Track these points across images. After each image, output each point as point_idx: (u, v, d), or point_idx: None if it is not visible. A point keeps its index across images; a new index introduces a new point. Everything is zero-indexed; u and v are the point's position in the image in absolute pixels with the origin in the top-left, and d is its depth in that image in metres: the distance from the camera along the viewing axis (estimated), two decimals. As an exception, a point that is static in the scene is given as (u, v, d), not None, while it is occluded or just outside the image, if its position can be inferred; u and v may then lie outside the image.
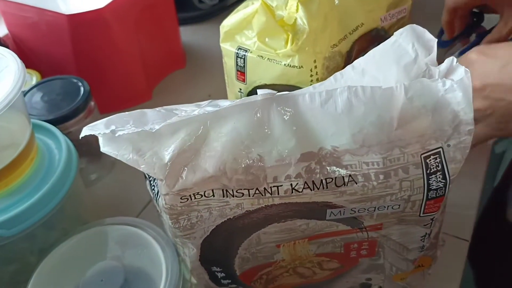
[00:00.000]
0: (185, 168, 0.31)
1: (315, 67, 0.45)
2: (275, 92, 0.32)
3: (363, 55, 0.51)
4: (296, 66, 0.44)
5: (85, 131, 0.32)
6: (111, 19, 0.59)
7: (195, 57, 0.77)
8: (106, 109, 0.65)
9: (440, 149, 0.32)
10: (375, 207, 0.33)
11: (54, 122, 0.49)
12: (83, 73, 0.58)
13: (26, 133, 0.42)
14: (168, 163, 0.31)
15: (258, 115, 0.32)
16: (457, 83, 0.31)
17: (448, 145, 0.32)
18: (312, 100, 0.31)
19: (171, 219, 0.33)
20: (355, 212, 0.33)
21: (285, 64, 0.44)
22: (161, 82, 0.72)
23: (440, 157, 0.32)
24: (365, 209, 0.33)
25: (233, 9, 0.85)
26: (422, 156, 0.31)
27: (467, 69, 0.31)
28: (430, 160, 0.31)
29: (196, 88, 0.72)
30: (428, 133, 0.31)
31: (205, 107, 0.34)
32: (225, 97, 0.56)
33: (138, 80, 0.67)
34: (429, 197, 0.33)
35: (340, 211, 0.33)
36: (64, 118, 0.51)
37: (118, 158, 0.32)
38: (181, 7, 0.76)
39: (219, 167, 0.32)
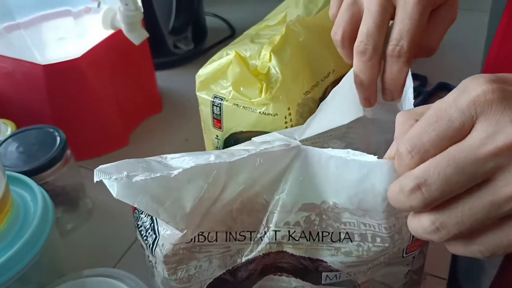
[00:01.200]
0: (202, 216, 0.31)
1: (289, 114, 0.46)
2: (289, 143, 0.33)
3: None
4: (271, 114, 0.45)
5: (98, 175, 0.30)
6: (87, 68, 0.60)
7: (171, 102, 0.78)
8: (83, 157, 0.65)
9: None
10: (370, 268, 0.33)
11: (30, 173, 0.49)
12: (59, 122, 0.58)
13: (0, 186, 0.42)
14: (190, 213, 0.30)
15: (275, 165, 0.32)
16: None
17: None
18: (320, 155, 0.32)
19: (169, 269, 0.33)
20: (350, 275, 0.34)
21: (260, 112, 0.45)
22: (138, 127, 0.73)
23: None
24: (361, 271, 0.33)
25: (208, 53, 0.87)
26: None
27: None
28: None
29: (173, 132, 0.72)
30: None
31: (220, 154, 0.33)
32: (202, 141, 0.56)
33: (115, 126, 0.67)
34: (411, 240, 0.34)
35: (336, 275, 0.34)
36: (41, 169, 0.50)
37: (135, 205, 0.30)
38: (156, 52, 0.77)
39: (230, 211, 0.32)
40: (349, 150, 0.30)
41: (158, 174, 0.29)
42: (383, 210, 0.30)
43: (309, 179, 0.32)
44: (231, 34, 0.92)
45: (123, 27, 0.60)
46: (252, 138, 0.39)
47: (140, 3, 0.61)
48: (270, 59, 0.46)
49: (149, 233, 0.34)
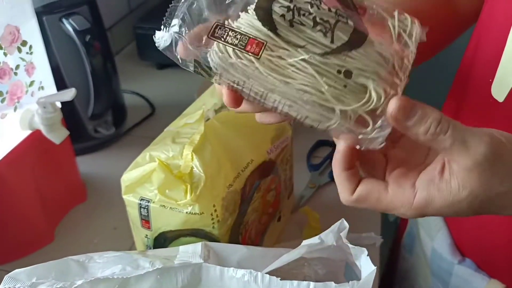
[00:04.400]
0: None
1: (215, 210, 0.49)
2: (191, 262, 0.35)
3: (255, 188, 0.56)
4: (197, 213, 0.48)
5: (7, 282, 0.33)
6: (6, 172, 0.59)
7: (96, 188, 0.78)
8: (6, 259, 0.63)
9: None
10: None
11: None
12: (-21, 232, 0.56)
13: None
14: None
15: (175, 280, 0.34)
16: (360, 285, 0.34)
17: None
18: (222, 274, 0.34)
19: None
20: None
21: (187, 212, 0.48)
22: (63, 220, 0.72)
23: None
24: None
25: (129, 134, 0.89)
26: None
27: (374, 267, 0.35)
28: None
29: (100, 221, 0.72)
30: None
31: (126, 265, 0.36)
32: (130, 230, 0.57)
33: (38, 225, 0.66)
34: None
35: None
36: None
37: None
38: (77, 137, 0.77)
39: None
40: (251, 270, 0.34)
41: (60, 285, 0.32)
42: None
43: None
44: (151, 112, 0.94)
45: (42, 129, 0.61)
46: (180, 247, 0.42)
47: (59, 104, 0.62)
48: (192, 159, 0.49)
49: None
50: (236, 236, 0.54)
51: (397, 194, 0.33)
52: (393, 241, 0.79)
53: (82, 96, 0.79)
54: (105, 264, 0.40)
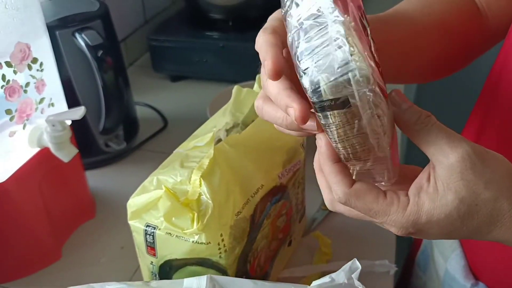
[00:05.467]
0: None
1: (222, 240, 0.47)
2: None
3: (265, 214, 0.55)
4: (204, 243, 0.46)
5: None
6: (14, 190, 0.59)
7: (104, 204, 0.77)
8: (13, 277, 0.63)
9: None
10: None
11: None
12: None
13: None
14: None
15: None
16: None
17: None
18: None
19: None
20: None
21: (193, 241, 0.46)
22: (71, 237, 0.71)
23: None
24: None
25: (139, 150, 0.88)
26: None
27: None
28: None
29: (108, 239, 0.71)
30: None
31: None
32: None
33: (46, 242, 0.65)
34: None
35: None
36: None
37: None
38: (87, 152, 0.77)
39: None
40: None
41: None
42: None
43: None
44: (163, 126, 0.93)
45: (50, 146, 0.60)
46: (184, 280, 0.40)
47: (68, 122, 0.61)
48: (200, 185, 0.48)
49: None
50: (244, 264, 0.52)
51: (393, 199, 0.34)
52: (406, 258, 0.77)
53: (93, 110, 0.78)
54: None
